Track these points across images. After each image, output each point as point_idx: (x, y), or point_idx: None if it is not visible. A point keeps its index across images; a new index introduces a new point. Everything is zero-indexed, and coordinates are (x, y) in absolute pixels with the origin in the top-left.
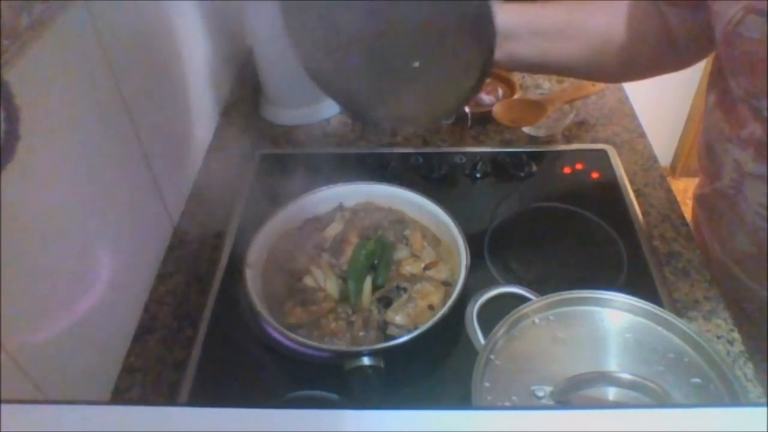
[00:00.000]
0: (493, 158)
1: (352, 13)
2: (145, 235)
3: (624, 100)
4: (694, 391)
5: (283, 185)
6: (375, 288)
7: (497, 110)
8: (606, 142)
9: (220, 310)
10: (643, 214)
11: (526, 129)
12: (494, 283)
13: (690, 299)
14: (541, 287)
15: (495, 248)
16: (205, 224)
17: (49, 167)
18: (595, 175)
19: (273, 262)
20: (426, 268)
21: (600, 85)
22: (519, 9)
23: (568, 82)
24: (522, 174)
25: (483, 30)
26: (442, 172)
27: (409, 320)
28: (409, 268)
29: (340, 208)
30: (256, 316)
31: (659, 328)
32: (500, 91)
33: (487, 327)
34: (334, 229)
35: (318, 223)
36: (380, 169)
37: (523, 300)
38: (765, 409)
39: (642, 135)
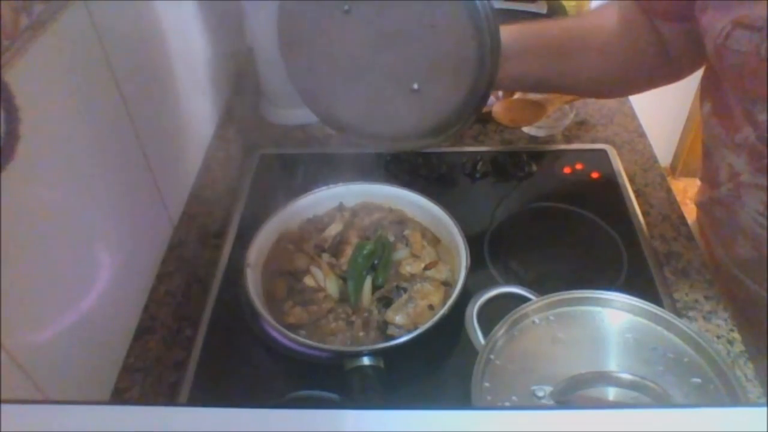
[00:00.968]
0: (493, 158)
1: (346, 32)
2: (145, 235)
3: (624, 100)
4: (694, 391)
5: (283, 185)
6: (375, 288)
7: (497, 110)
8: (606, 142)
9: (220, 310)
10: (643, 214)
11: (526, 129)
12: (494, 283)
13: (690, 299)
14: (541, 287)
15: (495, 248)
16: (205, 224)
17: (49, 167)
18: (595, 175)
19: (273, 262)
20: (426, 268)
21: None
22: (518, 28)
23: None
24: (522, 174)
25: (484, 49)
26: (442, 172)
27: (409, 320)
28: (409, 268)
29: (340, 208)
30: (256, 316)
31: (659, 328)
32: (500, 91)
33: (487, 327)
34: (334, 229)
35: (318, 223)
36: (380, 169)
37: (523, 300)
38: (765, 409)
39: (642, 135)
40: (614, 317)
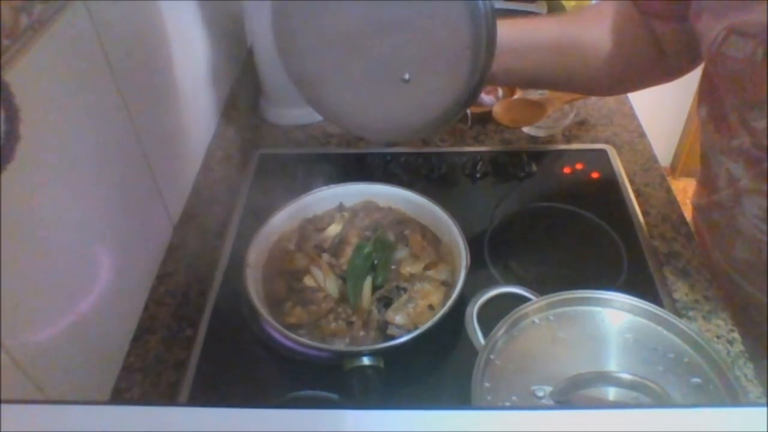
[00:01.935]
0: (493, 158)
1: (341, 16)
2: (145, 235)
3: (624, 100)
4: (694, 391)
5: (283, 185)
6: (375, 288)
7: (497, 110)
8: (606, 142)
9: (220, 310)
10: (643, 214)
11: (526, 129)
12: (494, 283)
13: (690, 299)
14: (541, 287)
15: (495, 248)
16: (205, 224)
17: (49, 167)
18: (595, 175)
19: (273, 262)
20: (426, 268)
21: None
22: (513, 24)
23: None
24: (522, 174)
25: (480, 43)
26: (442, 172)
27: (408, 320)
28: (409, 268)
29: (340, 208)
30: (256, 316)
31: (659, 328)
32: (500, 91)
33: (487, 327)
34: (334, 229)
35: (318, 223)
36: (380, 169)
37: (523, 300)
38: (765, 409)
39: (642, 135)
40: (614, 317)
